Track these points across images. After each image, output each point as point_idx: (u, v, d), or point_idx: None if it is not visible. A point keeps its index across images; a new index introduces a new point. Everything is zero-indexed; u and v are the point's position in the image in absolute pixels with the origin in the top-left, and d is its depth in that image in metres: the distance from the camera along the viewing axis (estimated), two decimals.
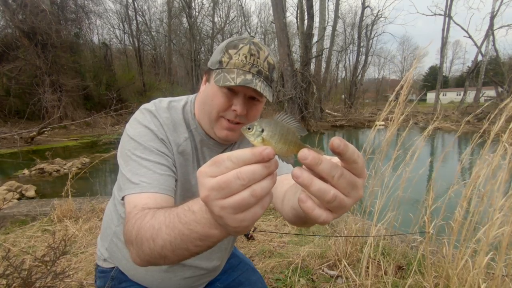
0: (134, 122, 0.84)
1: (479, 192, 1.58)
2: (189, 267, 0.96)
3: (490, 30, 22.68)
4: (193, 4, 29.64)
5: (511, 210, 1.41)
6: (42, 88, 14.34)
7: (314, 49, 19.39)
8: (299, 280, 1.96)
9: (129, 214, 0.66)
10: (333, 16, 25.66)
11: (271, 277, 2.05)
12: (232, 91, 0.80)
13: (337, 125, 18.53)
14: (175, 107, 0.90)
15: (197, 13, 31.40)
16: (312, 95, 16.41)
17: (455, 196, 1.76)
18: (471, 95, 26.03)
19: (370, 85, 47.70)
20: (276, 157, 0.39)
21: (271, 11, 20.27)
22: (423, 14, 30.92)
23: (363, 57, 28.11)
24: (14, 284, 1.14)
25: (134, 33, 26.66)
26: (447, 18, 25.25)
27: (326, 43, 25.45)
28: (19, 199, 4.71)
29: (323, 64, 25.99)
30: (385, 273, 1.89)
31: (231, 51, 0.79)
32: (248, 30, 33.65)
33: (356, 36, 29.43)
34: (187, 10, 28.31)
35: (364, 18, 27.20)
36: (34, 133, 10.42)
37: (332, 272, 2.05)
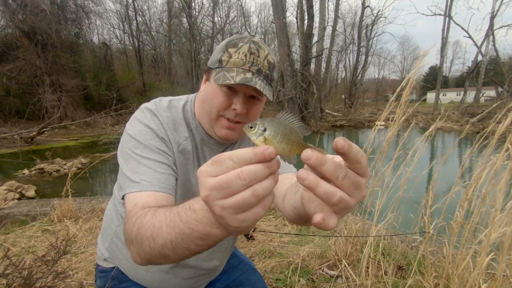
0: (134, 121, 0.84)
1: (481, 193, 1.58)
2: (190, 268, 0.96)
3: (490, 30, 22.68)
4: (193, 4, 29.70)
5: None
6: (42, 88, 14.35)
7: (314, 49, 19.39)
8: (299, 280, 1.96)
9: (130, 213, 0.66)
10: (333, 16, 25.71)
11: (271, 277, 2.05)
12: (232, 90, 0.80)
13: (337, 125, 18.53)
14: (175, 106, 0.89)
15: (197, 13, 31.46)
16: (312, 95, 16.39)
17: (456, 197, 1.76)
18: (471, 95, 26.01)
19: (370, 85, 47.71)
20: (278, 156, 0.38)
21: (271, 11, 20.25)
22: (423, 14, 31.06)
23: (363, 57, 28.15)
24: (15, 284, 1.14)
25: (134, 33, 26.66)
26: (447, 18, 25.29)
27: (326, 43, 25.50)
28: (19, 199, 4.71)
29: (323, 64, 26.02)
30: (385, 273, 1.89)
31: (231, 50, 0.79)
32: (248, 30, 33.63)
33: (356, 36, 29.45)
34: (187, 10, 28.34)
35: (364, 18, 27.24)
36: (34, 133, 10.43)
37: (332, 272, 2.04)
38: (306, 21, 17.92)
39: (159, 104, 0.87)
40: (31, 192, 5.15)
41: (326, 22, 21.95)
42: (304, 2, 18.95)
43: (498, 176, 1.47)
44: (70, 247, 2.33)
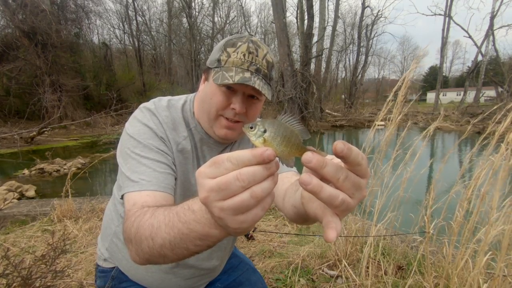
0: (133, 120, 0.84)
1: (479, 192, 1.58)
2: (190, 268, 0.96)
3: (490, 30, 22.68)
4: (193, 4, 29.65)
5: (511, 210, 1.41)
6: (42, 88, 14.34)
7: (314, 49, 19.39)
8: (299, 280, 1.96)
9: (128, 212, 0.66)
10: (333, 16, 25.74)
11: (271, 277, 2.05)
12: (231, 90, 0.80)
13: (337, 125, 18.54)
14: (175, 106, 0.89)
15: (197, 13, 31.43)
16: (312, 95, 16.39)
17: (456, 197, 1.76)
18: (471, 95, 26.03)
19: (370, 85, 47.69)
20: (276, 158, 0.38)
21: (271, 11, 20.22)
22: (423, 14, 31.15)
23: (363, 57, 28.15)
24: (14, 284, 1.14)
25: (134, 33, 26.67)
26: (447, 18, 25.31)
27: (326, 43, 25.51)
28: (19, 199, 4.70)
29: (323, 64, 26.06)
30: (385, 273, 1.89)
31: (230, 50, 0.79)
32: (248, 30, 33.60)
33: (356, 36, 29.44)
34: (187, 10, 28.31)
35: (364, 18, 27.24)
36: (34, 133, 10.43)
37: (332, 272, 2.04)
38: (306, 21, 17.92)
39: (158, 103, 0.87)
40: (31, 192, 5.15)
41: (326, 22, 21.97)
42: (304, 2, 18.95)
43: (496, 176, 1.47)
44: (69, 246, 2.33)
